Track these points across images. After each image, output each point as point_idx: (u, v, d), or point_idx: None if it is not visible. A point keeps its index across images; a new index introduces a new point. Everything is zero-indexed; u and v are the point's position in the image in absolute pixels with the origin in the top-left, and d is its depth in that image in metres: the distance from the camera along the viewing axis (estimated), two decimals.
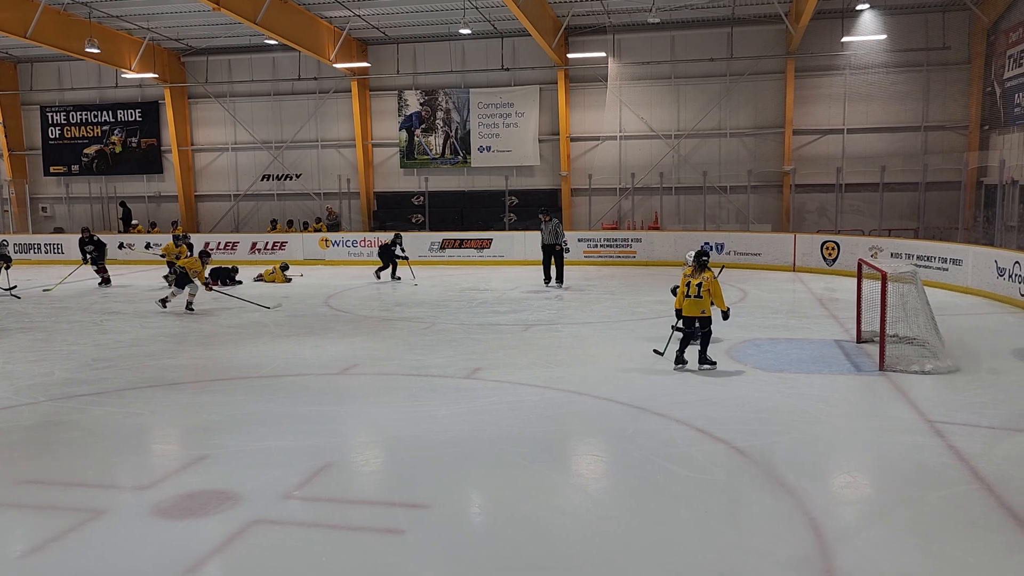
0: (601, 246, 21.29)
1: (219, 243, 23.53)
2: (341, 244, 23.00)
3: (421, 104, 24.71)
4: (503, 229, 22.77)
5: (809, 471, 6.07)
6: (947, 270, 15.39)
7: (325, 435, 7.15)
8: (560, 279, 16.89)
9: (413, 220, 24.51)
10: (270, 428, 7.31)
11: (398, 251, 18.60)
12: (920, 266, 14.85)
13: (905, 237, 18.27)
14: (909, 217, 20.09)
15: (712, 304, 9.11)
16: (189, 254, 16.04)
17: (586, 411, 7.82)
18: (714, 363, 9.21)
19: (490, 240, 21.97)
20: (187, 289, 14.00)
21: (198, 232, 25.03)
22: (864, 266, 10.76)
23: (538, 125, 23.90)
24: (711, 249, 19.91)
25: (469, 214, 24.00)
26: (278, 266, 18.84)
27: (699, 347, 9.21)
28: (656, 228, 22.28)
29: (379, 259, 18.92)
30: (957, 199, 20.09)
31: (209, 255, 14.64)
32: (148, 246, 22.43)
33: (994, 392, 8.16)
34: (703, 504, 5.53)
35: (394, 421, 7.54)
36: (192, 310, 13.87)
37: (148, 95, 26.72)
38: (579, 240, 21.17)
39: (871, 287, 10.05)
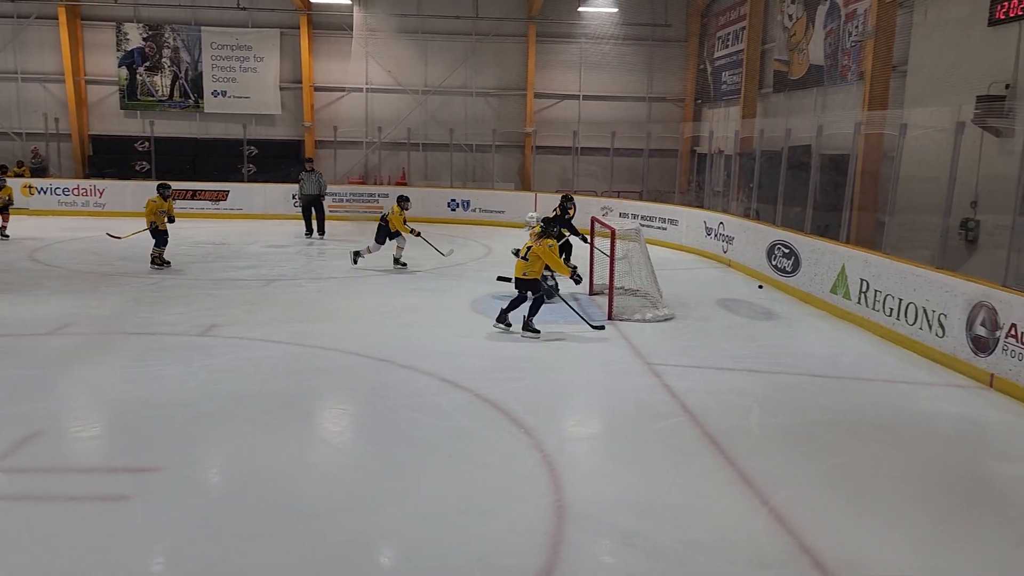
0: (348, 200, 20.84)
1: None
2: (49, 192, 20.36)
3: (144, 40, 22.39)
4: (241, 181, 21.46)
5: (545, 413, 6.45)
6: (666, 229, 16.99)
7: (32, 400, 6.35)
8: (322, 230, 16.90)
9: (137, 168, 22.27)
10: None
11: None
12: (644, 225, 16.21)
13: (631, 199, 19.85)
14: (635, 180, 21.81)
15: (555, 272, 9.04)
16: None
17: (330, 366, 7.67)
18: (537, 331, 8.84)
19: (227, 192, 20.62)
20: None
21: None
22: (596, 224, 11.54)
23: (279, 72, 22.68)
24: (457, 207, 20.32)
25: (203, 163, 22.26)
26: None
27: (525, 313, 8.94)
28: (403, 184, 22.23)
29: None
30: (675, 165, 22.18)
31: None
32: None
33: (701, 337, 9.18)
34: (447, 449, 5.67)
35: (117, 383, 6.89)
36: None
37: None
38: (324, 194, 20.54)
39: (602, 244, 10.82)
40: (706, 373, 7.71)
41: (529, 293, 9.01)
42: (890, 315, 9.07)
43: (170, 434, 5.77)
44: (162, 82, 22.62)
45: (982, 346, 7.52)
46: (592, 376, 7.64)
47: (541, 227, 9.11)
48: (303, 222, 17.11)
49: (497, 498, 4.91)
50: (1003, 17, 10.68)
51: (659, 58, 23.23)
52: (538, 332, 8.87)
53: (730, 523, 4.69)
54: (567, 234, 11.93)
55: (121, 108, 22.77)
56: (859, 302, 9.75)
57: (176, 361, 7.51)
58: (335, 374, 7.46)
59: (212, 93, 22.64)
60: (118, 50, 22.43)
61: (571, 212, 12.48)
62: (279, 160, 22.32)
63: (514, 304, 9.11)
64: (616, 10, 21.78)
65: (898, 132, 9.73)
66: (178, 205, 20.15)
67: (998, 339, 7.30)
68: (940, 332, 8.17)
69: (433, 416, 6.28)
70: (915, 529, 4.74)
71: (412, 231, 12.84)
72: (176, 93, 22.67)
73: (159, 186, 12.84)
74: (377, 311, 9.96)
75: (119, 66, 22.51)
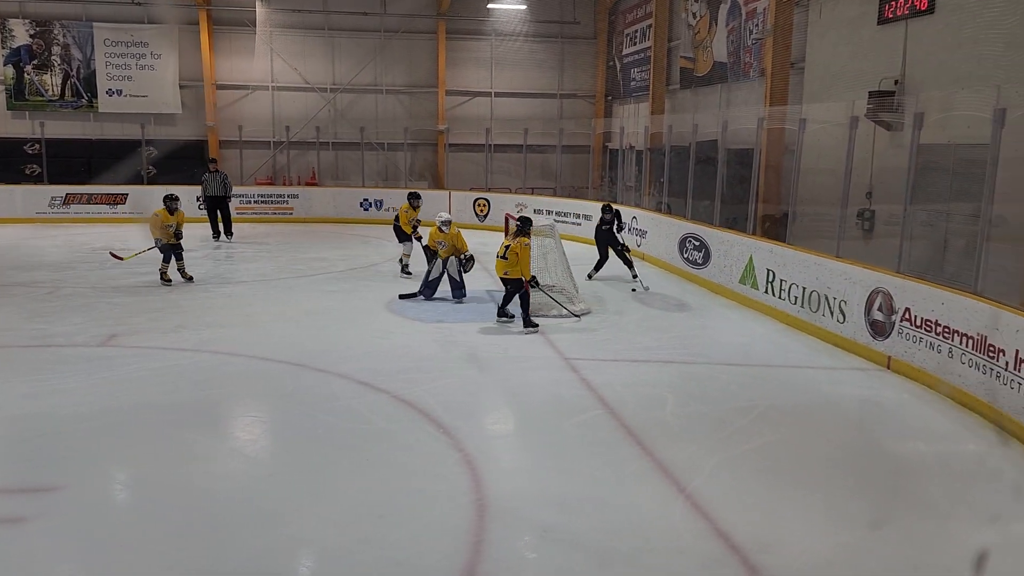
0: (255, 202, 20.28)
1: None
2: None
3: (32, 36, 21.19)
4: (141, 183, 20.59)
5: (464, 412, 6.41)
6: (580, 224, 17.17)
7: None
8: (228, 232, 16.46)
9: (27, 171, 21.08)
10: None
11: None
12: (558, 221, 16.35)
13: (546, 195, 20.00)
14: (549, 177, 21.97)
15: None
16: None
17: (242, 372, 7.44)
18: (535, 326, 9.08)
19: (125, 195, 19.74)
20: None
21: None
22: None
23: (178, 69, 21.83)
24: (369, 207, 20.05)
25: (99, 165, 21.17)
26: None
27: (521, 311, 9.25)
28: (314, 184, 21.79)
29: None
30: (587, 161, 22.46)
31: None
32: None
33: (616, 330, 9.31)
34: (364, 453, 5.58)
35: (11, 399, 6.50)
36: None
37: None
38: (230, 196, 19.92)
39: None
40: (622, 366, 7.83)
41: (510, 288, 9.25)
42: (795, 303, 9.40)
43: (71, 451, 5.48)
44: (52, 81, 21.47)
45: (880, 330, 7.88)
46: (511, 373, 7.64)
47: (517, 227, 9.34)
48: (209, 225, 16.56)
49: (417, 500, 4.85)
50: (891, 16, 11.21)
51: (569, 55, 23.48)
52: (536, 326, 9.13)
53: (648, 512, 4.76)
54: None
55: (8, 108, 21.49)
56: (766, 291, 10.07)
57: (75, 374, 7.14)
58: (247, 381, 7.24)
59: (107, 92, 21.63)
60: (3, 48, 21.17)
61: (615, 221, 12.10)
62: (181, 161, 21.48)
63: (507, 298, 9.36)
64: (525, 7, 21.89)
65: (798, 127, 10.10)
66: (72, 210, 19.31)
67: (894, 323, 7.65)
68: (841, 318, 8.52)
69: (350, 420, 6.17)
70: (824, 508, 4.92)
71: (414, 231, 12.07)
72: (68, 92, 21.56)
73: (165, 198, 11.58)
74: (290, 315, 9.71)
75: (4, 64, 21.24)
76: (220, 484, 5.08)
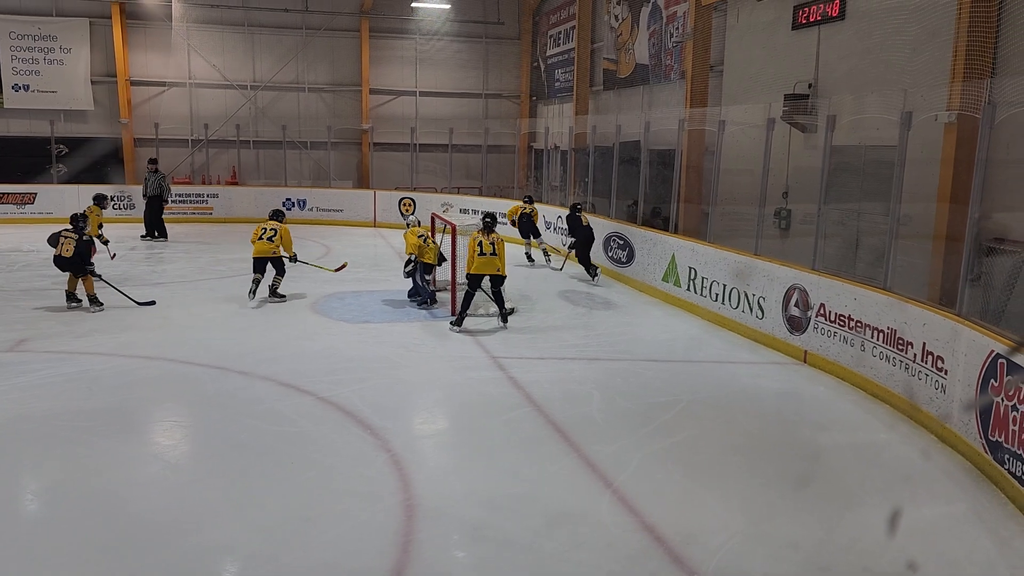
0: (174, 202, 19.62)
1: None
2: None
3: None
4: (51, 182, 19.71)
5: (391, 412, 6.37)
6: (506, 224, 17.23)
7: None
8: (156, 233, 16.26)
9: None
10: None
11: None
12: None
13: (472, 194, 20.00)
14: (474, 176, 21.98)
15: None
16: None
17: (161, 376, 7.22)
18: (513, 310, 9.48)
19: (34, 194, 18.89)
20: None
21: None
22: (437, 220, 11.52)
23: (90, 64, 20.99)
24: (292, 206, 19.66)
25: (5, 164, 20.24)
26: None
27: (500, 309, 9.23)
28: (235, 183, 21.25)
29: None
30: (513, 161, 22.55)
31: None
32: None
33: (544, 328, 9.38)
34: (290, 456, 5.48)
35: None
36: None
37: None
38: (166, 197, 19.26)
39: (443, 240, 10.81)
40: (549, 364, 7.90)
41: (491, 287, 9.22)
42: (716, 300, 9.65)
43: None
44: None
45: (796, 325, 8.16)
46: (438, 373, 7.62)
47: (487, 223, 9.37)
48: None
49: (344, 502, 4.80)
50: (804, 22, 11.61)
51: (494, 55, 23.53)
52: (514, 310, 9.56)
53: (577, 507, 4.82)
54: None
55: None
56: (688, 289, 10.31)
57: None
58: (167, 385, 7.03)
59: (12, 87, 20.61)
60: None
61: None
62: (95, 160, 20.67)
63: (500, 296, 9.30)
64: (448, 6, 21.82)
65: (717, 128, 10.38)
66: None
67: (810, 318, 7.94)
68: (760, 314, 8.79)
69: (275, 423, 6.05)
70: (746, 498, 5.07)
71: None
72: None
73: (273, 213, 10.62)
74: (210, 316, 9.46)
75: None
76: (138, 491, 4.91)
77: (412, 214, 10.58)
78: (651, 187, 13.26)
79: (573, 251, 12.55)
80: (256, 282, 10.10)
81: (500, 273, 9.10)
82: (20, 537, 4.34)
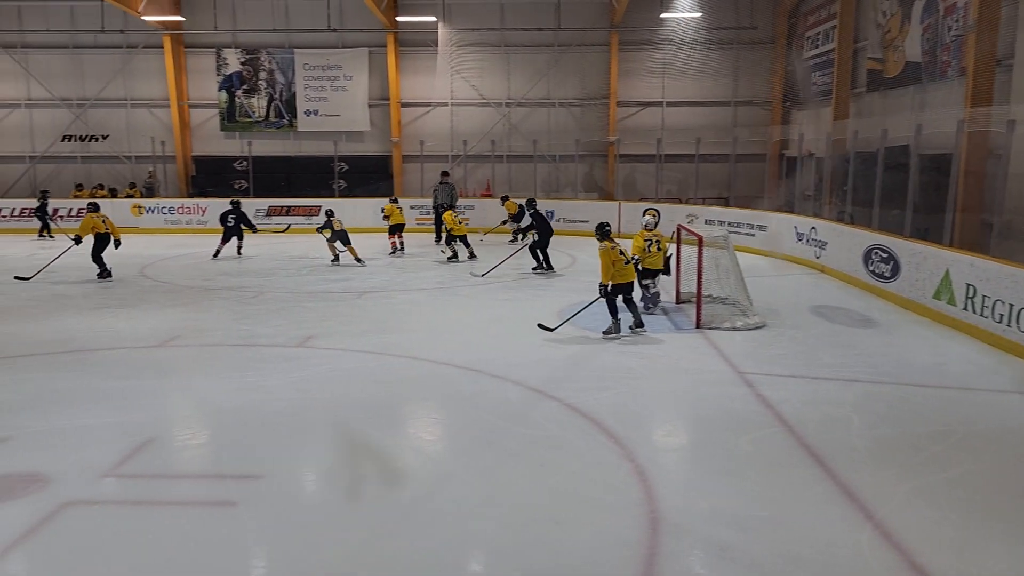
0: (427, 213, 21.19)
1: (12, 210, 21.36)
2: (156, 211, 21.49)
3: (242, 64, 23.41)
4: (332, 196, 22.14)
5: (634, 423, 6.39)
6: (754, 235, 16.62)
7: (145, 410, 6.69)
8: (442, 238, 17.83)
9: (236, 186, 23.27)
10: (81, 406, 6.76)
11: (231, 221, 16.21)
12: (731, 232, 15.90)
13: (718, 205, 19.52)
14: (721, 186, 21.43)
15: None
16: None
17: (422, 375, 7.81)
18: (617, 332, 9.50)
19: (319, 207, 21.30)
20: None
21: None
22: (682, 232, 11.39)
23: (368, 89, 23.34)
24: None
25: (296, 180, 23.09)
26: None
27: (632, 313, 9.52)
28: (488, 195, 22.48)
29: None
30: (763, 170, 21.68)
31: None
32: None
33: (794, 345, 8.93)
34: (537, 458, 5.69)
35: (221, 393, 7.19)
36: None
37: None
38: (411, 207, 20.97)
39: (688, 251, 10.67)
40: (801, 383, 7.50)
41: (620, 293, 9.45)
42: (1000, 322, 8.62)
43: (272, 442, 5.99)
44: (258, 104, 23.57)
45: None
46: (682, 386, 7.53)
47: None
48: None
49: (588, 508, 4.89)
50: None
51: (745, 61, 22.80)
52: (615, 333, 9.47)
53: (832, 537, 4.54)
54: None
55: (221, 130, 23.87)
56: (965, 308, 9.30)
57: (276, 372, 7.79)
58: (427, 383, 7.59)
59: (304, 112, 23.45)
60: (218, 74, 23.52)
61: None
62: (368, 175, 22.98)
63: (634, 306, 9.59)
64: (700, 15, 21.48)
65: (1005, 129, 9.27)
66: (274, 221, 21.04)
67: None
68: None
69: (523, 425, 6.32)
70: None
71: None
72: (271, 114, 23.59)
73: (395, 198, 15.07)
74: (467, 321, 10.10)
75: (219, 90, 23.60)
76: (401, 481, 5.36)
77: (654, 218, 10.64)
78: (921, 195, 12.13)
79: (527, 242, 14.06)
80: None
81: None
82: (290, 513, 4.90)
